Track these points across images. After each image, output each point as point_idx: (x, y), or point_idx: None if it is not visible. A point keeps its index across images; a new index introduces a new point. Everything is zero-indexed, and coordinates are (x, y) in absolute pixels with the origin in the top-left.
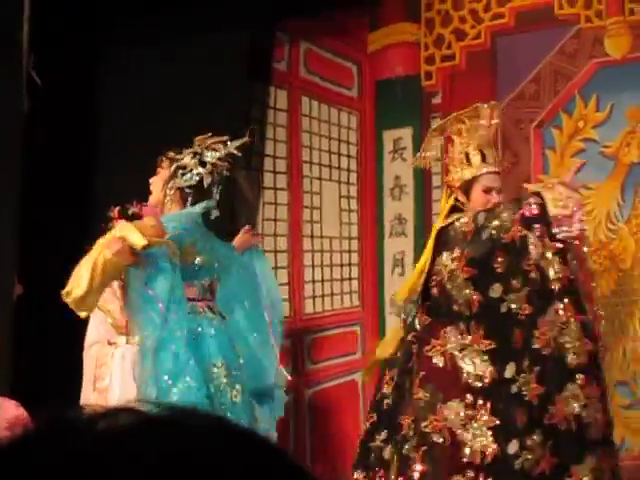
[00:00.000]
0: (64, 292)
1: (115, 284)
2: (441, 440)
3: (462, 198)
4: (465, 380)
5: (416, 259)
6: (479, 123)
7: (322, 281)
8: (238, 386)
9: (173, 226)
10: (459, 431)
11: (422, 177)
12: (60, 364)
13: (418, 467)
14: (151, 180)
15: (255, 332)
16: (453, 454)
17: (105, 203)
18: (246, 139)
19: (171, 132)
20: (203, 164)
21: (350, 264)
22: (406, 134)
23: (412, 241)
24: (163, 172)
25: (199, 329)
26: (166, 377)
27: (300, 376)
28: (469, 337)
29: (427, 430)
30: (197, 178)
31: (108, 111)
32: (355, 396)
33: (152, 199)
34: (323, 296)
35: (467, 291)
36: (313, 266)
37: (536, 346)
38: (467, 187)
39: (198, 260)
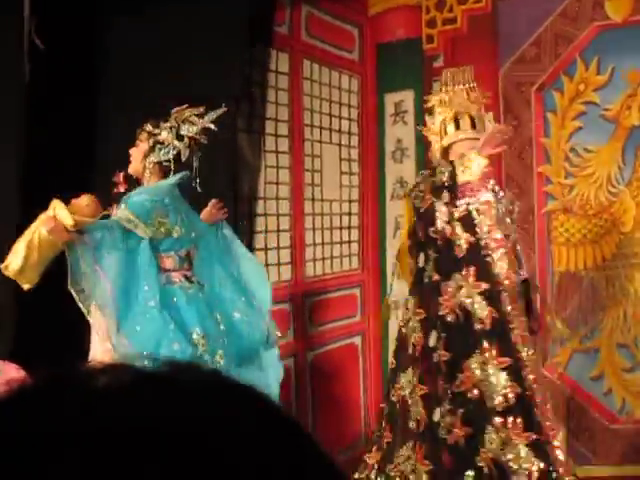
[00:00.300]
0: (3, 265)
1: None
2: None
3: None
4: (411, 351)
5: None
6: (456, 90)
7: (323, 244)
8: (220, 351)
9: (141, 199)
10: (409, 401)
11: (423, 140)
12: (61, 332)
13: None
14: (130, 151)
15: (235, 297)
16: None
17: (107, 169)
18: (222, 110)
19: (172, 96)
20: (180, 137)
21: (350, 227)
22: (407, 97)
23: None
24: (142, 145)
25: (174, 299)
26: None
27: (301, 339)
28: (411, 309)
29: (392, 399)
30: (174, 152)
31: (109, 74)
32: (355, 358)
33: (131, 169)
34: (324, 259)
35: (409, 261)
36: (314, 229)
37: (441, 313)
38: (445, 156)
39: (174, 232)
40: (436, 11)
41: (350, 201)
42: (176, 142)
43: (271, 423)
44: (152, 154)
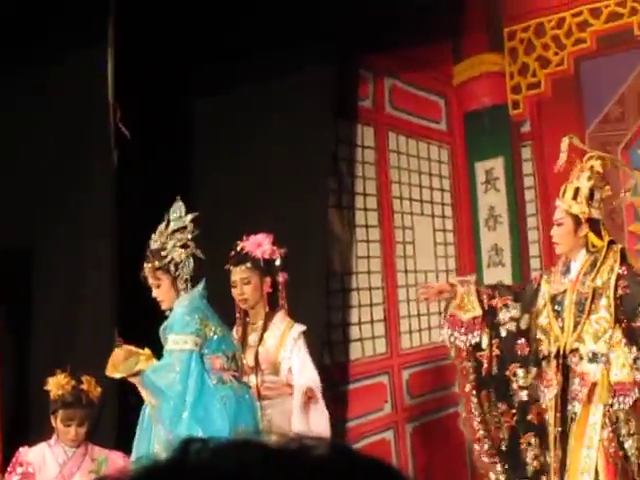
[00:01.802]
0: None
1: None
2: None
3: None
4: None
5: None
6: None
7: (418, 315)
8: None
9: (180, 318)
10: None
11: (516, 207)
12: None
13: None
14: (156, 295)
15: None
16: None
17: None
18: (197, 214)
19: (261, 178)
20: (185, 246)
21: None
22: (497, 164)
23: (510, 270)
24: (164, 282)
25: (224, 400)
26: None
27: (399, 411)
28: None
29: None
30: (192, 260)
31: (197, 159)
32: (457, 428)
33: (167, 306)
34: (420, 330)
35: None
36: (408, 301)
37: None
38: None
39: (219, 331)
40: (520, 76)
41: (447, 271)
42: (182, 253)
43: None
44: (178, 279)
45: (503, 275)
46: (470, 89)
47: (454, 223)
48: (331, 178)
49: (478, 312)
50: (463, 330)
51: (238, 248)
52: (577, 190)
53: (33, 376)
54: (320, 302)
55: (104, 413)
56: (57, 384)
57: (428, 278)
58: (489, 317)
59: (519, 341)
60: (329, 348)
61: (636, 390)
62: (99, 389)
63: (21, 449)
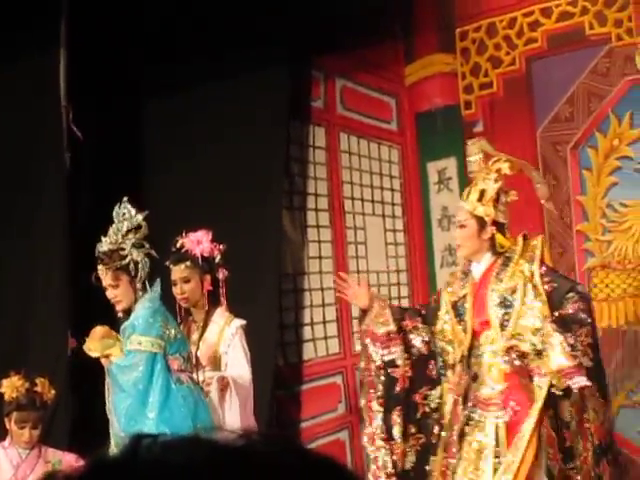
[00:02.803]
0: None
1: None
2: None
3: None
4: None
5: None
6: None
7: None
8: None
9: (144, 320)
10: None
11: None
12: None
13: None
14: (114, 294)
15: None
16: None
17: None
18: (147, 212)
19: (214, 176)
20: (139, 245)
21: (400, 297)
22: (450, 164)
23: None
24: (123, 280)
25: (182, 399)
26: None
27: (354, 412)
28: None
29: None
30: (148, 260)
31: (150, 159)
32: None
33: (123, 307)
34: None
35: None
36: None
37: None
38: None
39: (176, 334)
40: (472, 77)
41: (398, 271)
42: (140, 252)
43: None
44: (137, 279)
45: None
46: (422, 89)
47: (405, 223)
48: (284, 179)
49: (393, 327)
50: (379, 344)
51: (178, 245)
52: (483, 192)
53: None
54: (273, 303)
55: (57, 415)
56: (11, 386)
57: (380, 278)
58: (402, 335)
59: (430, 365)
60: (282, 349)
61: (582, 373)
62: (53, 391)
63: None
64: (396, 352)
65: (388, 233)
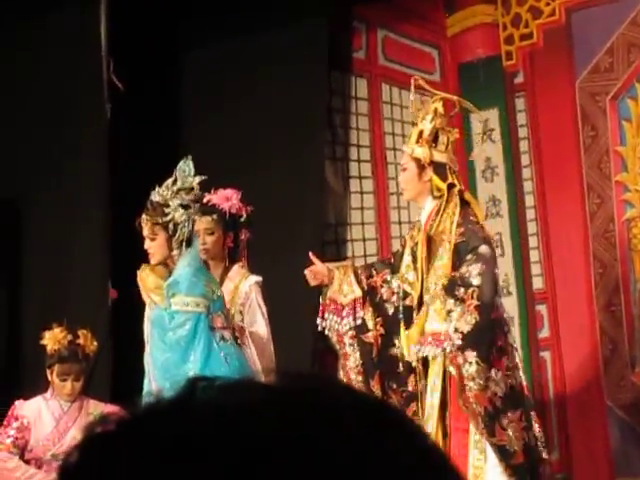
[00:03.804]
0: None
1: None
2: None
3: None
4: None
5: (513, 239)
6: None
7: None
8: None
9: (187, 278)
10: None
11: (511, 157)
12: None
13: None
14: (148, 247)
15: None
16: None
17: None
18: (204, 177)
19: (256, 128)
20: (186, 207)
21: None
22: (492, 115)
23: (507, 221)
24: (160, 236)
25: (227, 359)
26: None
27: None
28: None
29: None
30: (191, 222)
31: (190, 110)
32: None
33: (156, 261)
34: None
35: None
36: None
37: None
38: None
39: (217, 292)
40: (512, 27)
41: None
42: (184, 214)
43: (425, 454)
44: (174, 238)
45: (500, 226)
46: (464, 40)
47: None
48: (326, 130)
49: (358, 293)
50: (344, 313)
51: (204, 200)
52: (420, 133)
53: (26, 329)
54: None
55: (99, 367)
56: (54, 338)
57: None
58: (370, 296)
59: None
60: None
61: (450, 342)
62: (95, 343)
63: (17, 402)
64: (366, 316)
65: None
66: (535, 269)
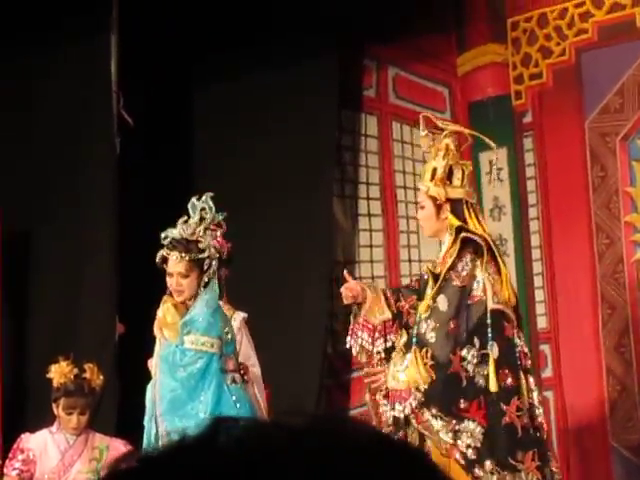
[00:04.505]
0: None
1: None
2: None
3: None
4: None
5: (518, 278)
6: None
7: None
8: None
9: (205, 318)
10: None
11: (519, 197)
12: None
13: None
14: (180, 283)
15: None
16: None
17: None
18: (225, 214)
19: (264, 165)
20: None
21: None
22: (501, 154)
23: (513, 261)
24: (193, 273)
25: (235, 398)
26: None
27: None
28: None
29: None
30: (217, 261)
31: (199, 145)
32: None
33: (184, 299)
34: None
35: None
36: None
37: None
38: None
39: (232, 334)
40: (522, 67)
41: None
42: (214, 250)
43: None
44: (205, 275)
45: (507, 265)
46: (474, 79)
47: None
48: (334, 167)
49: (387, 315)
50: (377, 335)
51: None
52: (434, 171)
53: (33, 362)
54: (323, 290)
55: (105, 400)
56: (60, 372)
57: None
58: (399, 320)
59: None
60: (332, 337)
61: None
62: (101, 377)
63: (23, 435)
64: (395, 339)
65: None
66: (540, 309)
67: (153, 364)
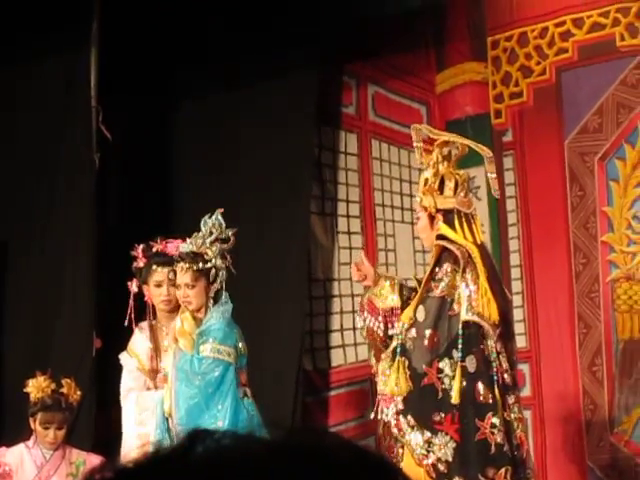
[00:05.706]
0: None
1: (145, 325)
2: None
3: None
4: None
5: None
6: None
7: None
8: None
9: (221, 328)
10: None
11: (497, 215)
12: None
13: None
14: (187, 294)
15: None
16: None
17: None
18: (235, 230)
19: (243, 181)
20: (223, 257)
21: None
22: (479, 173)
23: None
24: (200, 282)
25: (249, 412)
26: None
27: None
28: None
29: None
30: (226, 273)
31: (179, 160)
32: None
33: (194, 308)
34: None
35: None
36: None
37: None
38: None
39: (244, 347)
40: (502, 86)
41: None
42: (223, 262)
43: None
44: (212, 286)
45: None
46: (453, 97)
47: None
48: (314, 184)
49: (397, 304)
50: (380, 318)
51: (154, 249)
52: (426, 181)
53: (10, 376)
54: (302, 308)
55: (82, 415)
56: (37, 387)
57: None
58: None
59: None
60: (311, 354)
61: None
62: (79, 392)
63: None
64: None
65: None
66: (519, 328)
67: (164, 377)
